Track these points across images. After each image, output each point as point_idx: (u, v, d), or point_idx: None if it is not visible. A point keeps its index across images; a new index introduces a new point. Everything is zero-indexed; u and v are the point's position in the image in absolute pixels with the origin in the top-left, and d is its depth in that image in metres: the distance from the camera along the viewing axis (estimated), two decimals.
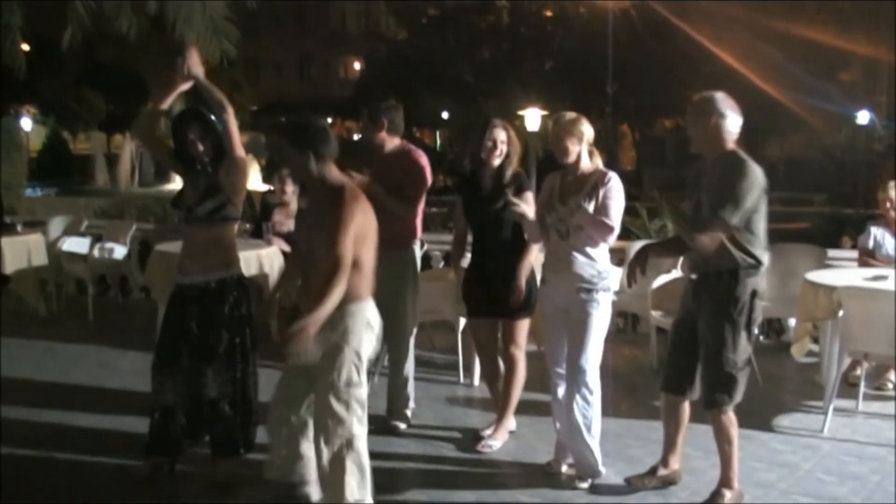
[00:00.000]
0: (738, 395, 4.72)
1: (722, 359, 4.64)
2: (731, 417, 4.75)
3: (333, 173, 4.39)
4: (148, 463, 5.21)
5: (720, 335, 4.64)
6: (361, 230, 4.31)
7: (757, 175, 4.55)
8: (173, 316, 5.13)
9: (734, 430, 4.76)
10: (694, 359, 4.80)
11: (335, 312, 4.26)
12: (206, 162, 5.06)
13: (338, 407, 4.32)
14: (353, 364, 4.36)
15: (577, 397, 5.08)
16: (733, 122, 4.68)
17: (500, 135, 5.61)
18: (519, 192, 5.53)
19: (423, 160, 5.97)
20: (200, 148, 5.04)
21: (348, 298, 4.31)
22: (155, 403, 5.13)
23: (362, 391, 4.40)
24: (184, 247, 5.18)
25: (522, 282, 5.54)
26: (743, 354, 4.68)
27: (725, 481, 4.82)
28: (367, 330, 4.43)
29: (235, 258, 5.20)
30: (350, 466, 4.36)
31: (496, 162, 5.63)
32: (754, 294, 4.64)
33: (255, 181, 25.71)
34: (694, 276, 4.80)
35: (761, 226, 4.64)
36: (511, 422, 5.90)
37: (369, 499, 4.47)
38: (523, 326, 5.74)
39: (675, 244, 5.12)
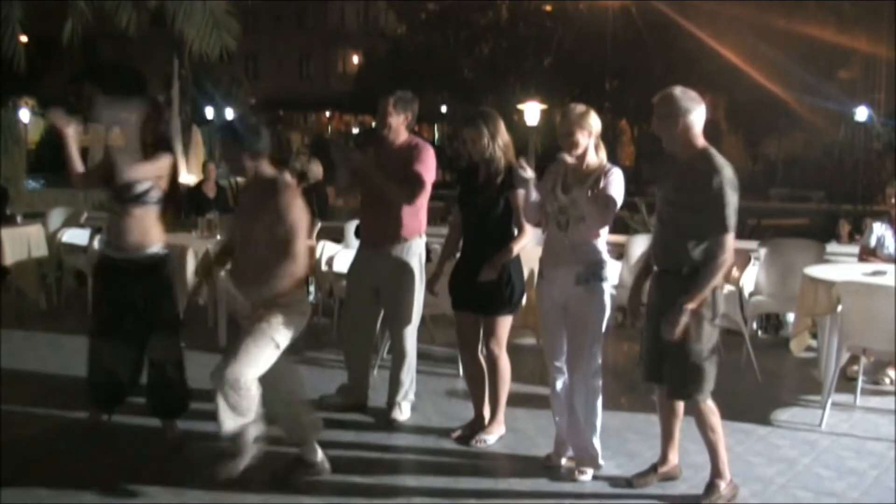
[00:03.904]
0: (709, 384, 4.72)
1: (687, 350, 4.63)
2: (710, 406, 4.75)
3: (267, 168, 4.82)
4: (92, 414, 5.81)
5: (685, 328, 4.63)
6: (299, 220, 4.67)
7: (732, 176, 4.58)
8: (115, 286, 5.49)
9: (716, 419, 4.76)
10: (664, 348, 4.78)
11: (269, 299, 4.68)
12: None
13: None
14: (270, 346, 4.69)
15: (578, 390, 5.10)
16: (699, 117, 4.66)
17: (470, 132, 5.54)
18: (508, 188, 5.46)
19: (431, 152, 5.99)
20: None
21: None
22: (107, 367, 5.55)
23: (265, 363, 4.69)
24: (119, 226, 5.44)
25: (497, 265, 5.47)
26: (708, 344, 4.69)
27: (717, 472, 4.83)
28: (294, 319, 4.78)
29: None
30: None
31: (476, 155, 5.57)
32: (715, 287, 4.66)
33: None
34: (656, 269, 4.82)
35: None
36: (501, 416, 5.81)
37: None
38: (504, 324, 5.63)
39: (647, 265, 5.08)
